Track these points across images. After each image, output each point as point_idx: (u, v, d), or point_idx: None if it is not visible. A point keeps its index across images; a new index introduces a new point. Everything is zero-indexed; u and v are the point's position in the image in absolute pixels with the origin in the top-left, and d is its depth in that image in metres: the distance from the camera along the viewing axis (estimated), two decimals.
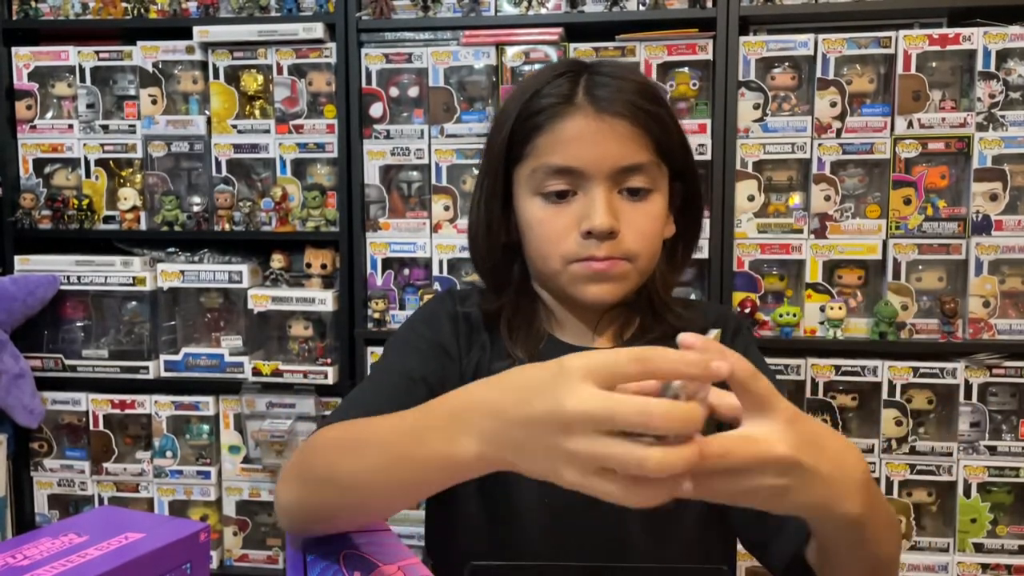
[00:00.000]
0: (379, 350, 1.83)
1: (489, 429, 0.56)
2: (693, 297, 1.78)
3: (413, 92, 1.84)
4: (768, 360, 1.08)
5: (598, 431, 0.50)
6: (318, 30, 1.81)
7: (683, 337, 0.55)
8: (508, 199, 0.95)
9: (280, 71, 1.87)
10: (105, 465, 1.96)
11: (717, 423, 0.59)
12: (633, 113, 0.89)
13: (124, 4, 1.92)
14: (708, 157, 1.73)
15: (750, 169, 1.74)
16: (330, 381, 1.86)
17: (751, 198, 1.75)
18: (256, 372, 1.88)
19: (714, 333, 0.56)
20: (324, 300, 1.85)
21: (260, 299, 1.87)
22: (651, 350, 0.51)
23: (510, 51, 1.79)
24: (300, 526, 0.75)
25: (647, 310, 0.97)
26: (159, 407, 1.93)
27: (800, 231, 1.74)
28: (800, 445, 0.56)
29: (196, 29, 1.85)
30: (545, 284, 0.95)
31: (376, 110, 1.84)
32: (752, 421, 0.57)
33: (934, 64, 1.72)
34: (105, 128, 1.94)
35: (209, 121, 1.91)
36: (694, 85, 1.77)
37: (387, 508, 0.71)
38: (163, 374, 1.92)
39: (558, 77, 0.92)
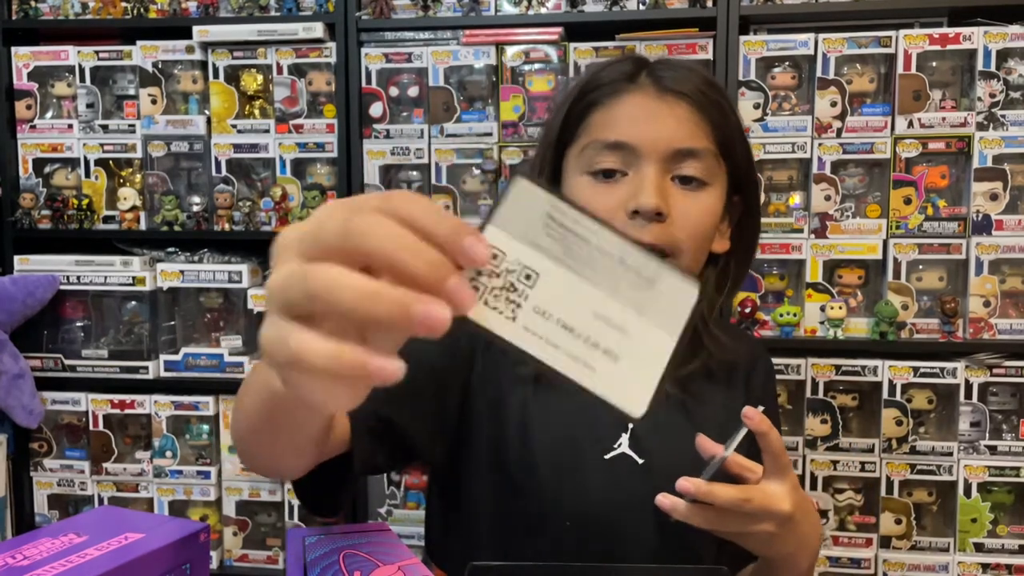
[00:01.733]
0: None
1: None
2: None
3: (413, 92, 1.84)
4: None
5: (288, 312, 0.38)
6: (318, 30, 1.81)
7: (747, 411, 0.75)
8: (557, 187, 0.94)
9: (280, 71, 1.86)
10: (105, 465, 1.96)
11: (751, 439, 0.78)
12: (696, 96, 0.87)
13: (124, 4, 1.92)
14: None
15: None
16: None
17: None
18: None
19: (761, 408, 0.76)
20: None
21: (260, 299, 1.86)
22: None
23: (510, 51, 1.79)
24: (243, 455, 0.73)
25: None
26: (159, 407, 1.93)
27: (800, 231, 1.74)
28: (795, 507, 0.77)
29: (196, 29, 1.84)
30: None
31: (376, 110, 1.84)
32: (770, 480, 0.77)
33: (934, 64, 1.72)
34: (105, 128, 1.93)
35: (209, 121, 1.90)
36: None
37: (271, 435, 0.63)
38: (163, 374, 1.92)
39: (622, 62, 0.90)
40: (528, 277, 0.40)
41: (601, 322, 0.41)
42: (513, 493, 0.91)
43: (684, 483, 0.73)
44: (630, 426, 0.91)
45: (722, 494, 0.74)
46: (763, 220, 1.74)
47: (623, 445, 0.90)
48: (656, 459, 0.90)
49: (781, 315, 1.74)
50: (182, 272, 1.90)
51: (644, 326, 0.41)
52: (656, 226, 0.84)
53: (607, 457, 0.90)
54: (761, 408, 0.76)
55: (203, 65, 1.91)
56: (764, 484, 0.77)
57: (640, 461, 0.90)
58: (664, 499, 0.76)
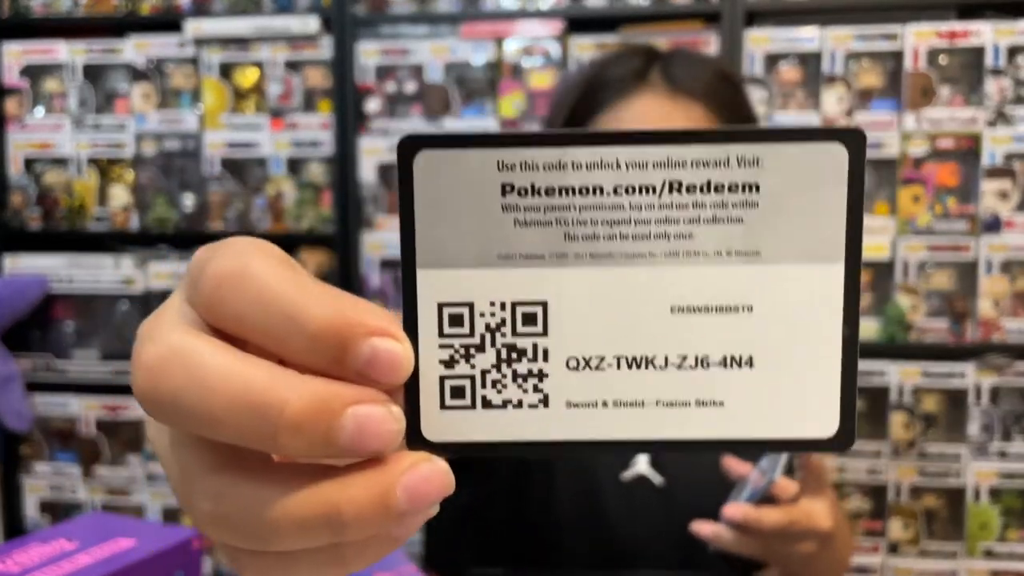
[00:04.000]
0: None
1: None
2: None
3: (410, 87, 1.81)
4: None
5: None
6: (313, 25, 1.78)
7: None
8: None
9: (274, 67, 1.83)
10: (96, 469, 1.92)
11: (790, 465, 0.76)
12: (711, 97, 0.82)
13: (115, 1, 1.89)
14: None
15: None
16: None
17: None
18: None
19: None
20: None
21: None
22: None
23: (510, 45, 1.75)
24: None
25: None
26: None
27: None
28: (834, 525, 0.74)
29: (189, 25, 1.81)
30: None
31: (372, 106, 1.81)
32: (810, 497, 0.74)
33: (943, 59, 1.69)
34: (96, 126, 1.90)
35: (202, 118, 1.87)
36: None
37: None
38: None
39: (630, 56, 0.86)
40: (531, 319, 0.24)
41: (693, 318, 0.24)
42: (528, 509, 0.86)
43: (731, 511, 0.70)
44: None
45: (770, 519, 0.70)
46: None
47: (642, 463, 0.85)
48: (678, 481, 0.85)
49: None
50: (174, 273, 1.86)
51: (775, 275, 0.23)
52: None
53: (624, 478, 0.86)
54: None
55: (196, 61, 1.87)
56: (804, 502, 0.73)
57: (660, 482, 0.85)
58: (704, 527, 0.72)
